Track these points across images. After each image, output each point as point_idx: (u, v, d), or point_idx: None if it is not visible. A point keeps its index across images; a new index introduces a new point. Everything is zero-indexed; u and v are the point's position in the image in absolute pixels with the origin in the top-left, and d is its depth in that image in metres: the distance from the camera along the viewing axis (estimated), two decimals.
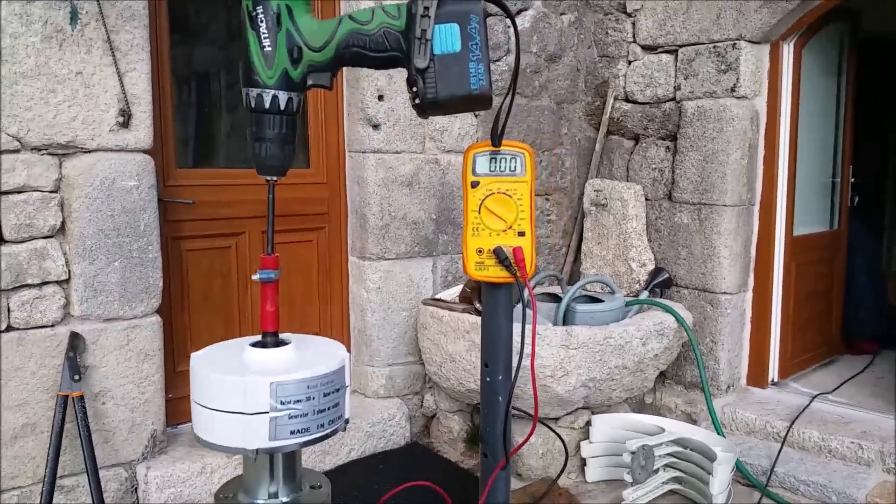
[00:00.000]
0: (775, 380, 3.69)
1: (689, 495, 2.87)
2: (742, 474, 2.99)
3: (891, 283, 4.85)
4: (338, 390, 1.30)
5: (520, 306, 1.39)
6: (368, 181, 3.30)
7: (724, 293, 3.52)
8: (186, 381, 3.01)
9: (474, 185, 1.34)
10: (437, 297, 3.36)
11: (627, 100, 3.96)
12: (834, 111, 4.17)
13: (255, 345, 1.38)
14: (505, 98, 1.33)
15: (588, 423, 3.10)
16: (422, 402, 3.48)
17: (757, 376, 3.65)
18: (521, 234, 1.33)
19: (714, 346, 3.53)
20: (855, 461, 2.97)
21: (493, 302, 1.42)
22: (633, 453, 2.79)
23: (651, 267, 3.67)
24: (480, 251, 1.34)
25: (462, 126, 3.56)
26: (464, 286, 3.39)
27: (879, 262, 4.99)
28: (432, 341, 3.15)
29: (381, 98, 3.30)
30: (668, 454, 2.89)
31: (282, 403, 1.21)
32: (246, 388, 1.21)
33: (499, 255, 1.32)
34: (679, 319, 3.27)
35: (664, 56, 3.77)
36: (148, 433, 2.72)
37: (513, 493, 2.83)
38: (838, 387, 3.69)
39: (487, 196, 1.32)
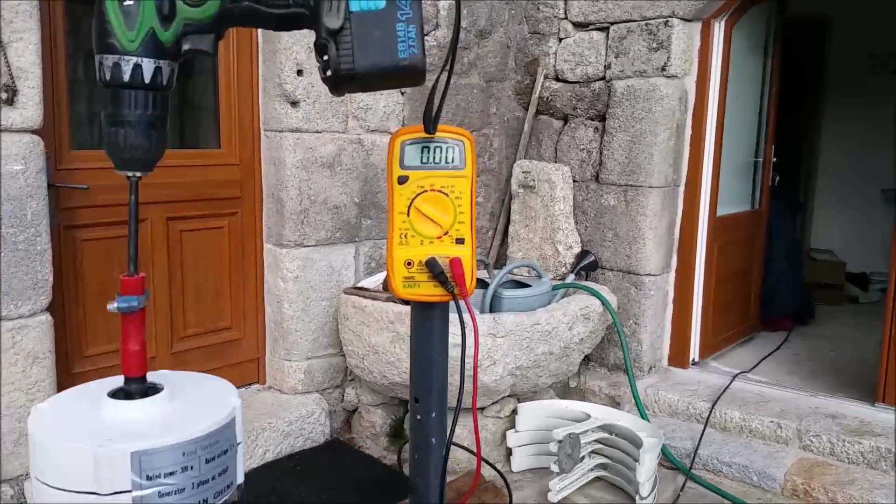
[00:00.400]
0: (696, 359, 3.73)
1: (615, 482, 2.86)
2: (666, 458, 3.00)
3: (806, 260, 4.99)
4: (226, 452, 1.02)
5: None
6: (286, 162, 3.10)
7: (649, 275, 3.51)
8: (83, 382, 2.79)
9: (402, 180, 1.09)
10: (360, 285, 3.21)
11: (557, 79, 3.86)
12: (759, 91, 4.21)
13: (115, 394, 1.06)
14: (440, 74, 1.07)
15: (514, 412, 3.04)
16: (343, 395, 3.34)
17: (678, 357, 3.68)
18: (460, 241, 1.09)
19: (637, 328, 3.52)
20: (774, 440, 3.02)
21: (424, 325, 1.18)
22: (559, 442, 2.75)
23: (578, 249, 3.62)
24: (409, 263, 1.09)
25: (388, 104, 3.38)
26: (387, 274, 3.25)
27: (797, 240, 5.13)
28: (354, 333, 3.01)
29: (300, 73, 3.08)
30: (595, 440, 2.86)
31: (148, 479, 0.90)
32: (99, 460, 0.89)
33: (432, 269, 1.09)
34: (604, 302, 3.24)
35: (595, 34, 3.68)
36: None
37: None
38: (756, 365, 3.77)
39: (419, 194, 1.09)
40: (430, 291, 1.11)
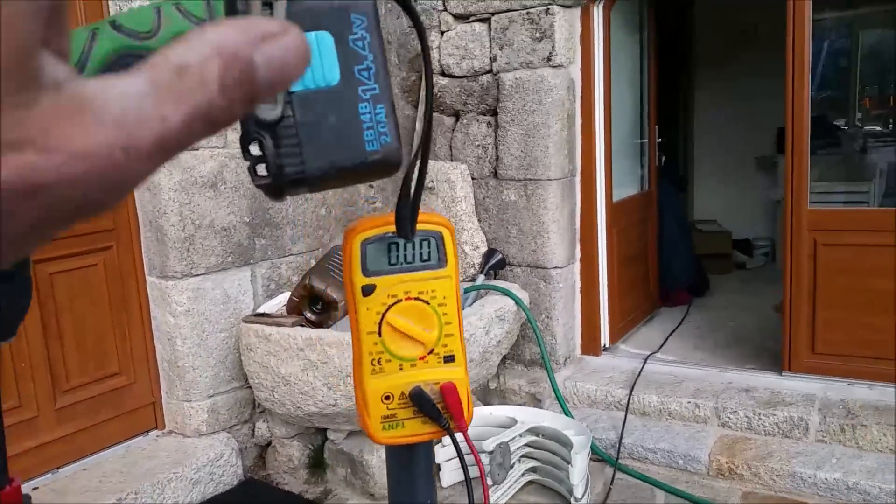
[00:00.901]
0: (607, 345, 3.76)
1: (547, 483, 2.81)
2: (594, 451, 2.99)
3: (695, 234, 5.18)
4: None
5: None
6: (162, 186, 2.81)
7: (556, 267, 3.49)
8: None
9: (367, 290, 0.84)
10: (261, 311, 2.99)
11: (444, 73, 3.75)
12: (639, 73, 4.28)
13: None
14: (415, 157, 0.84)
15: None
16: (253, 430, 3.11)
17: (590, 345, 3.69)
18: (450, 359, 0.86)
19: (550, 322, 3.50)
20: (693, 420, 3.08)
21: (406, 471, 0.91)
22: (490, 454, 2.66)
23: (484, 249, 3.54)
24: (389, 398, 0.86)
25: None
26: (291, 294, 3.04)
27: (684, 215, 5.31)
28: (261, 364, 2.79)
29: None
30: (524, 444, 2.80)
31: None
32: None
33: (420, 402, 0.85)
34: (517, 301, 3.18)
35: (477, 25, 3.59)
36: None
37: None
38: (663, 344, 3.85)
39: (391, 306, 0.85)
40: (418, 430, 0.88)
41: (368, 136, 0.61)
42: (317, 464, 2.97)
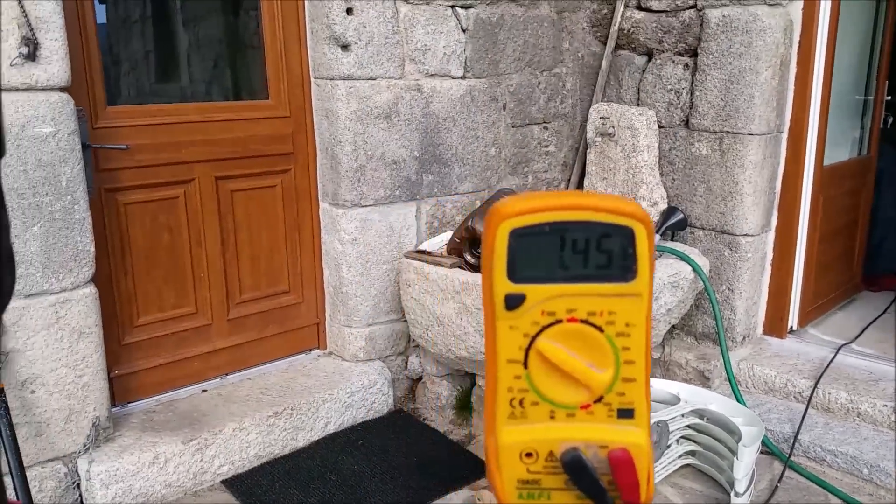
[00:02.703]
0: (794, 327, 3.36)
1: (706, 470, 2.59)
2: (763, 444, 2.70)
3: None
4: None
5: None
6: (339, 114, 2.81)
7: (746, 235, 3.12)
8: (134, 354, 2.64)
9: (513, 302, 0.60)
10: (422, 248, 2.95)
11: (640, 7, 3.41)
12: (873, 17, 3.65)
13: None
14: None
15: None
16: (406, 363, 3.13)
17: (775, 325, 3.31)
18: (626, 413, 0.61)
19: (731, 295, 3.17)
20: (887, 426, 2.68)
21: None
22: None
23: (664, 206, 3.25)
24: (532, 455, 0.62)
25: (448, 43, 3.03)
26: (452, 235, 2.97)
27: None
28: (417, 301, 2.77)
29: (349, 11, 2.75)
30: (685, 426, 2.59)
31: None
32: None
33: (576, 470, 0.60)
34: (696, 269, 2.90)
35: None
36: (89, 421, 2.36)
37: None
38: (861, 333, 3.37)
39: (546, 328, 0.61)
40: None
41: None
42: (463, 406, 2.94)
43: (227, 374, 2.87)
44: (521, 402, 0.60)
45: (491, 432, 0.61)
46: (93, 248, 2.31)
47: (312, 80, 2.89)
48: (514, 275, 0.58)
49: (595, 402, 0.60)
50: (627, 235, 0.57)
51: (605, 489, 0.59)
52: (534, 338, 0.59)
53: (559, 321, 0.59)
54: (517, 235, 0.57)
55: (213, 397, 2.70)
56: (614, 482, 0.59)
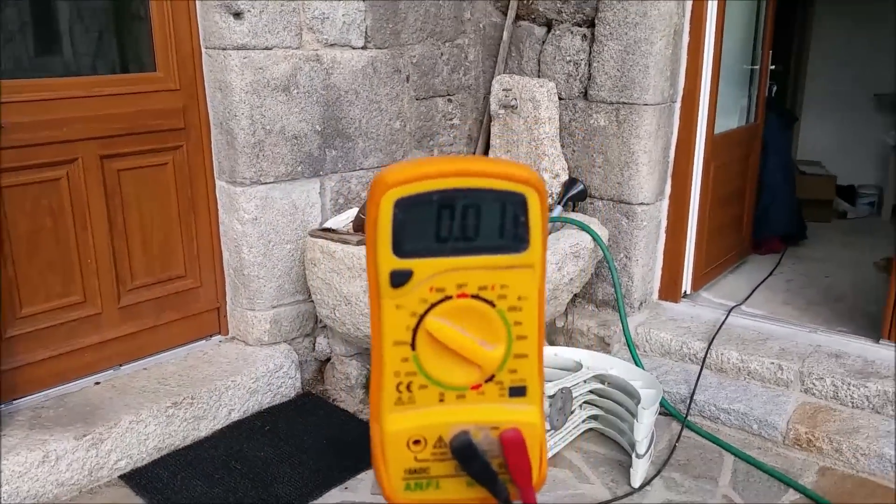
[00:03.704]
0: (688, 292, 3.52)
1: (608, 433, 2.69)
2: (661, 405, 2.83)
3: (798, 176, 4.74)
4: None
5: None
6: (233, 86, 2.68)
7: (641, 203, 3.23)
8: (18, 347, 2.46)
9: (400, 279, 0.54)
10: (327, 226, 2.88)
11: None
12: None
13: None
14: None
15: None
16: (314, 344, 3.07)
17: (670, 290, 3.46)
18: (519, 391, 0.56)
19: (628, 262, 3.28)
20: (774, 383, 2.86)
21: None
22: (551, 398, 2.54)
23: (565, 177, 3.31)
24: (419, 442, 0.56)
25: (347, 11, 2.93)
26: (358, 212, 2.92)
27: (791, 156, 4.86)
28: (323, 280, 2.71)
29: None
30: (587, 391, 2.67)
31: None
32: None
33: (466, 455, 0.55)
34: (596, 238, 2.98)
35: None
36: None
37: None
38: (750, 295, 3.58)
39: (434, 305, 0.55)
40: (458, 495, 0.57)
41: None
42: None
43: (121, 365, 2.72)
44: (408, 387, 0.55)
45: (376, 420, 0.57)
46: None
47: (204, 50, 2.73)
48: (399, 249, 0.53)
49: (486, 381, 0.55)
50: (520, 203, 0.53)
51: (496, 473, 0.55)
52: (422, 316, 0.54)
53: (449, 297, 0.54)
54: (402, 206, 0.52)
55: (107, 390, 2.56)
56: (505, 464, 0.55)
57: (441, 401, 0.56)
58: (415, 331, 0.55)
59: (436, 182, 0.52)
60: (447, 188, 0.52)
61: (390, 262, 0.54)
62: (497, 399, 0.56)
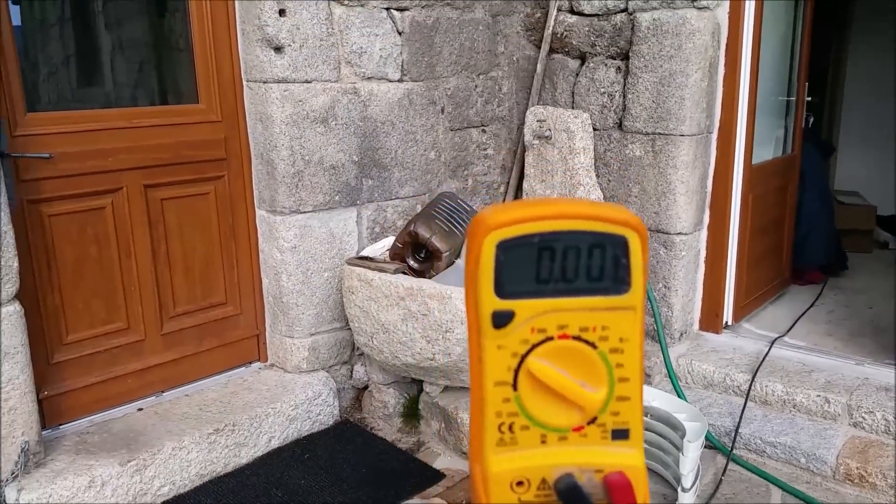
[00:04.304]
0: (729, 322, 3.46)
1: (652, 466, 2.62)
2: (706, 438, 2.76)
3: (835, 206, 4.67)
4: None
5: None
6: (274, 118, 2.74)
7: (680, 234, 3.20)
8: (64, 373, 2.50)
9: (501, 320, 0.55)
10: (364, 254, 2.90)
11: (572, 11, 3.45)
12: (791, 21, 3.80)
13: None
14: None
15: None
16: (351, 372, 3.07)
17: (710, 321, 3.41)
18: (621, 434, 0.57)
19: (667, 293, 3.24)
20: (821, 416, 2.78)
21: None
22: None
23: None
24: (523, 484, 0.57)
25: (384, 45, 2.99)
26: (395, 240, 2.94)
27: (829, 186, 4.80)
28: (361, 308, 2.72)
29: (282, 13, 2.69)
30: None
31: None
32: None
33: (571, 497, 0.56)
34: None
35: None
36: (17, 447, 2.21)
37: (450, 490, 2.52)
38: (792, 326, 3.50)
39: (536, 346, 0.56)
40: None
41: None
42: (411, 413, 2.91)
43: (163, 392, 2.75)
44: (510, 427, 0.56)
45: (477, 460, 0.56)
46: (16, 264, 2.17)
47: (245, 83, 2.81)
48: (501, 290, 0.53)
49: (588, 423, 0.56)
50: (621, 245, 0.53)
51: None
52: (523, 357, 0.55)
53: (550, 338, 0.55)
54: (504, 248, 0.52)
55: (149, 416, 2.58)
56: None
57: (543, 442, 0.57)
58: (516, 371, 0.56)
59: (537, 224, 0.54)
60: (548, 231, 0.54)
61: (492, 302, 0.55)
62: (600, 442, 0.57)
